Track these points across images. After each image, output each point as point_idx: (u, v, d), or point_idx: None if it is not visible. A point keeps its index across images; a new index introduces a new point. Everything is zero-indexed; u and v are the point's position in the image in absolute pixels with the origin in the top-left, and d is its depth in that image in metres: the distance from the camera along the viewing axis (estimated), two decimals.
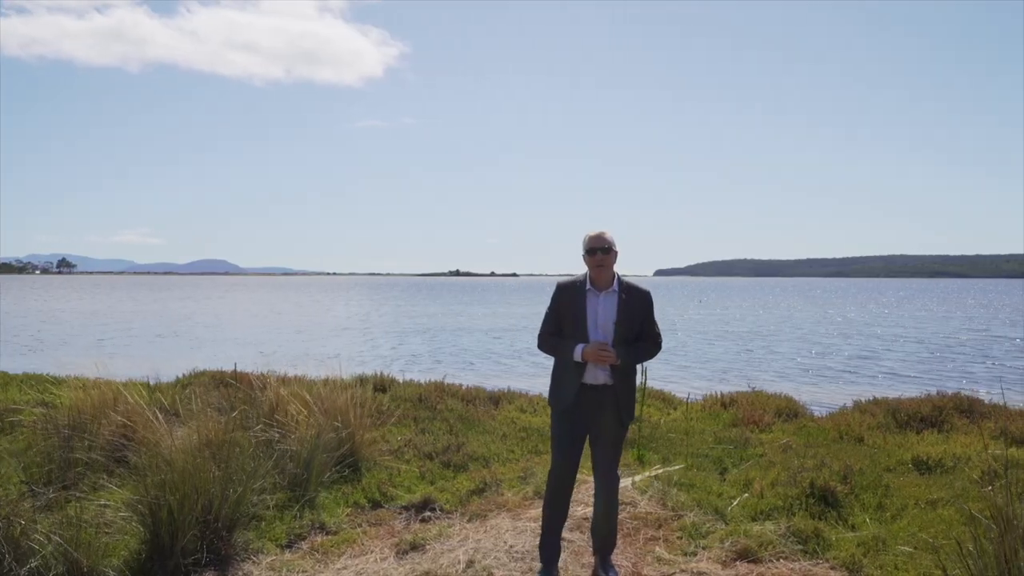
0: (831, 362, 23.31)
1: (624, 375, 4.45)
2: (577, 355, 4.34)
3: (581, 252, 4.49)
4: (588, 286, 4.45)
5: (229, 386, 8.72)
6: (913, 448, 7.22)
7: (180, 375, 11.27)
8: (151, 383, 8.95)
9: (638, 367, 4.77)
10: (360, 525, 5.57)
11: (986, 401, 9.25)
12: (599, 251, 4.40)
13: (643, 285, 4.56)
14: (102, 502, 5.06)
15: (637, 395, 4.84)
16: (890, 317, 51.52)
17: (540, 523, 5.17)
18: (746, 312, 58.52)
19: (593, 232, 4.45)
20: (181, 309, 57.08)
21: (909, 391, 12.34)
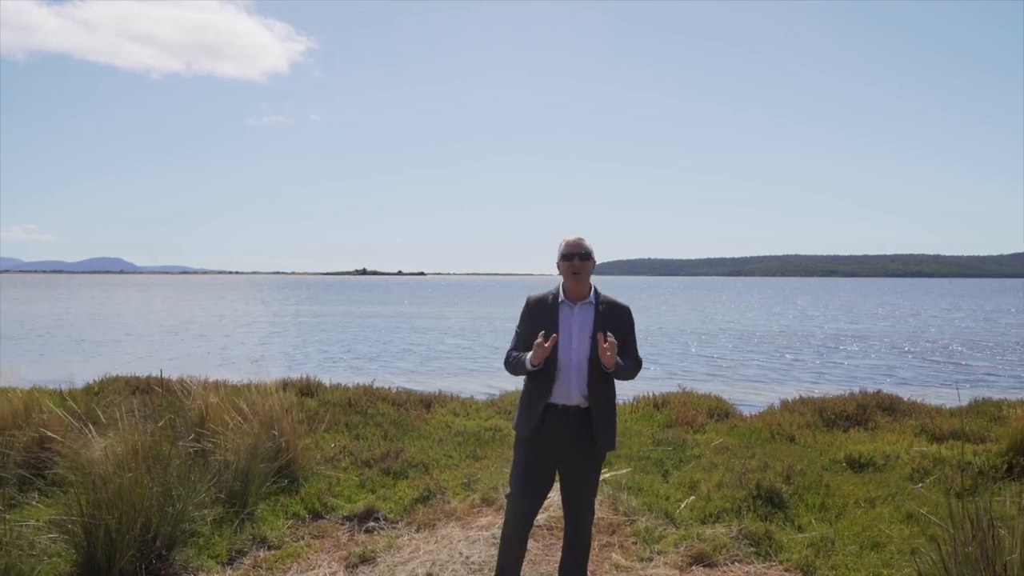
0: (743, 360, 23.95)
1: (603, 395, 3.97)
2: (527, 361, 3.87)
3: (556, 259, 4.04)
4: (562, 298, 4.03)
5: (149, 392, 8.30)
6: (845, 447, 7.40)
7: (90, 381, 10.65)
8: (62, 390, 8.39)
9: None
10: (303, 538, 5.34)
11: (905, 399, 9.61)
12: (576, 257, 3.96)
13: (622, 299, 4.13)
14: (25, 522, 4.69)
15: None
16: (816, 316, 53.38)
17: (492, 532, 5.07)
18: (652, 309, 59.62)
19: (571, 237, 4.03)
20: (58, 309, 54.46)
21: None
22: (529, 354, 3.86)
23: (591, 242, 4.06)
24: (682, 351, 26.65)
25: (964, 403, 10.12)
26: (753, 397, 14.73)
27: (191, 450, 5.72)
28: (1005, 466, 6.50)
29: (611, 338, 3.75)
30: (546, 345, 3.77)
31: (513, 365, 4.04)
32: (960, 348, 28.14)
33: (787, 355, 25.43)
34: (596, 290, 4.08)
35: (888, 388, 11.33)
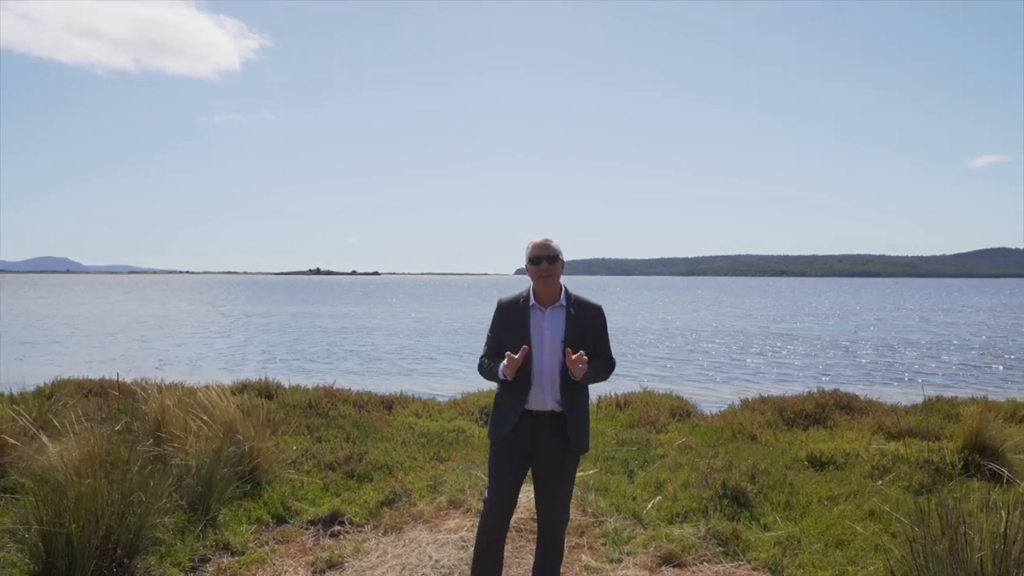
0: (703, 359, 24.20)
1: (576, 399, 3.92)
2: (500, 372, 3.83)
3: (524, 263, 3.98)
4: (532, 302, 3.95)
5: (102, 395, 8.08)
6: (806, 445, 7.49)
7: (41, 384, 10.33)
8: (12, 394, 8.14)
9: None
10: (267, 543, 5.24)
11: (862, 397, 9.78)
12: (544, 260, 3.88)
13: (593, 299, 4.06)
14: None
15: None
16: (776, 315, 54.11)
17: (461, 535, 5.03)
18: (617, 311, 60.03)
19: (537, 239, 3.94)
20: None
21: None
22: (502, 364, 3.80)
23: (558, 243, 3.97)
24: (634, 352, 26.82)
25: (919, 401, 10.34)
26: (699, 396, 14.88)
27: (150, 455, 5.59)
28: (961, 463, 6.65)
29: (581, 354, 3.68)
30: (516, 358, 3.72)
31: (486, 372, 3.98)
32: (899, 346, 28.79)
33: (731, 354, 25.76)
34: (567, 291, 4.00)
35: (829, 386, 11.51)
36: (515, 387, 3.89)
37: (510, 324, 3.93)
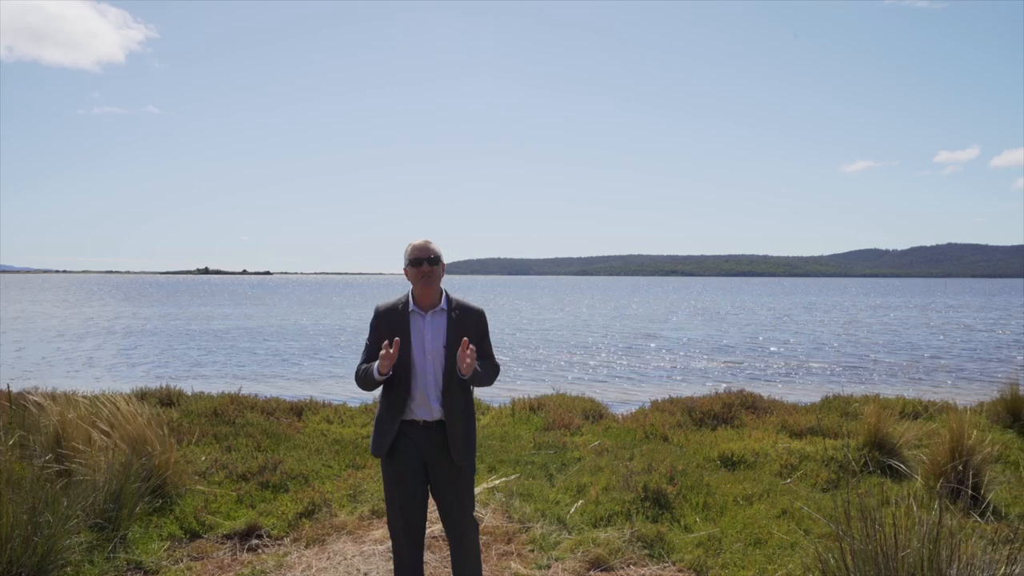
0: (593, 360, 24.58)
1: (459, 408, 3.79)
2: (375, 371, 3.64)
3: (403, 265, 3.84)
4: (412, 306, 3.81)
5: None
6: (717, 445, 7.70)
7: None
8: None
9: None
10: (181, 560, 5.02)
11: (765, 397, 10.13)
12: (425, 262, 3.75)
13: (474, 303, 3.95)
14: None
15: None
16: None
17: (387, 546, 4.93)
18: (506, 310, 60.31)
19: (417, 241, 3.82)
20: None
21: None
22: (376, 363, 3.63)
23: (439, 245, 3.86)
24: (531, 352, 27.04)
25: (816, 400, 10.79)
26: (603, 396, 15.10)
27: (52, 472, 5.27)
28: (863, 460, 6.96)
29: (469, 344, 3.59)
30: (392, 351, 3.57)
31: (363, 378, 3.79)
32: (795, 347, 30.02)
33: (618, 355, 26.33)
34: (447, 295, 3.90)
35: (674, 387, 11.88)
36: (395, 397, 3.78)
37: (389, 330, 3.76)
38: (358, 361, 3.92)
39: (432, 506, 4.07)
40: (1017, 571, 3.13)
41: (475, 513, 4.20)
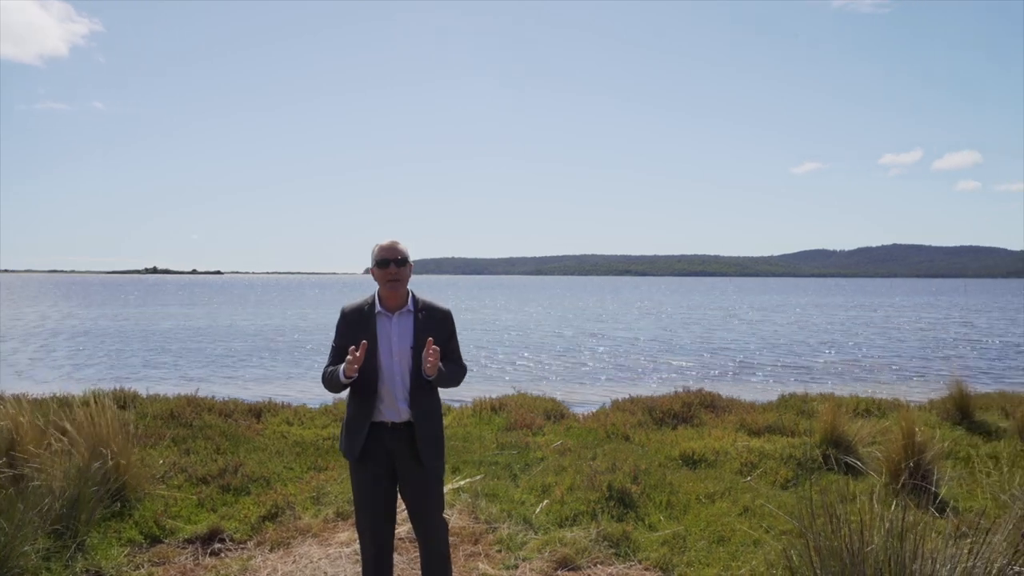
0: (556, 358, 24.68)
1: (426, 410, 3.79)
2: (341, 374, 3.60)
3: (369, 266, 3.80)
4: (378, 308, 3.77)
5: None
6: (678, 444, 7.79)
7: None
8: None
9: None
10: (142, 566, 4.93)
11: (723, 396, 10.27)
12: (392, 263, 3.70)
13: (441, 303, 3.93)
14: None
15: None
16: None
17: (353, 548, 4.90)
18: (468, 310, 60.21)
19: (385, 242, 3.77)
20: None
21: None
22: (342, 366, 3.60)
23: (406, 245, 3.81)
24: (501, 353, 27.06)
25: (773, 398, 10.97)
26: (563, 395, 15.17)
27: (6, 476, 5.14)
28: (821, 457, 7.10)
29: (433, 345, 3.58)
30: (358, 354, 3.54)
31: (329, 380, 3.75)
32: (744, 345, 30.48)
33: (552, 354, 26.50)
34: (414, 296, 3.86)
35: (629, 385, 12.01)
36: (362, 399, 3.75)
37: (355, 332, 3.73)
38: (324, 363, 3.89)
39: (401, 507, 4.06)
40: (978, 565, 3.22)
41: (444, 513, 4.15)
